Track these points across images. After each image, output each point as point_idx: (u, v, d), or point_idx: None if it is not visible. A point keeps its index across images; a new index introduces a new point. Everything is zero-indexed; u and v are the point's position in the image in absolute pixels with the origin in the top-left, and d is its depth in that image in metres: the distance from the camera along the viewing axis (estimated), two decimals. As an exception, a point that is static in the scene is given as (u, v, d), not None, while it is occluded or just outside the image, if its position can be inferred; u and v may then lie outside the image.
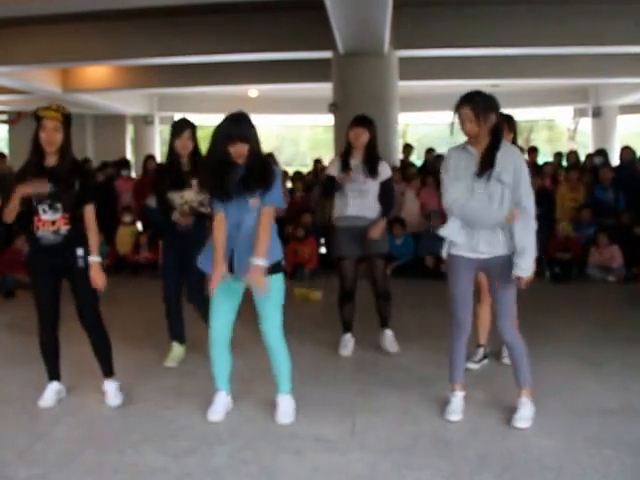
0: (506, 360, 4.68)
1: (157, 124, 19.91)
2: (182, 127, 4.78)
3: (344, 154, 5.05)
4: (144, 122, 19.40)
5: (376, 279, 5.11)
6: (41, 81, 13.16)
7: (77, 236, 3.92)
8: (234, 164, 3.59)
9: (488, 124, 3.53)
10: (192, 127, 4.80)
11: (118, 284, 8.60)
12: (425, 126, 31.01)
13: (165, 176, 4.87)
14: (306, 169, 12.29)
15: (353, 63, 9.91)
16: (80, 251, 3.92)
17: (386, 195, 5.05)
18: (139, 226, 10.23)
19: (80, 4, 8.99)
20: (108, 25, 10.14)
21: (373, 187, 4.98)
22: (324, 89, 11.47)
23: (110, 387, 4.15)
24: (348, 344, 5.19)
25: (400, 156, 10.89)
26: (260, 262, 3.53)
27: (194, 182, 4.65)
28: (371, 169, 4.95)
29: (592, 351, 5.16)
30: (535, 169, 9.79)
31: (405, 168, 10.03)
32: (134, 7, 9.23)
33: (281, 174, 3.84)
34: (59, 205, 3.84)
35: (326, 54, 10.26)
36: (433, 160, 10.60)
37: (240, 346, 4.97)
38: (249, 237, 3.60)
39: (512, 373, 3.86)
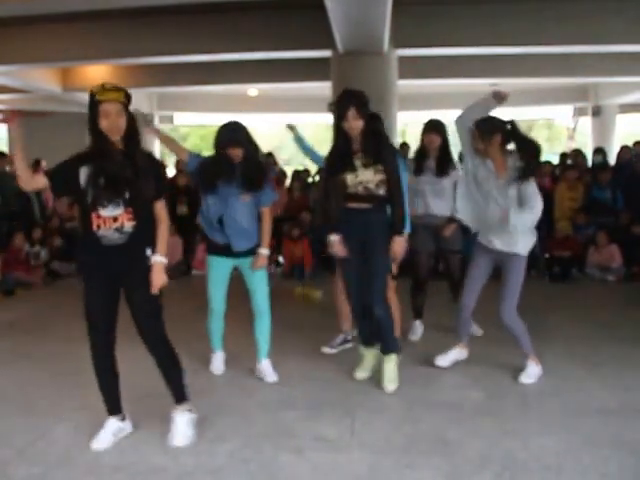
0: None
1: (157, 123, 19.88)
2: (345, 106, 4.10)
3: (418, 156, 5.40)
4: (144, 121, 19.39)
5: (451, 272, 5.57)
6: (41, 80, 13.15)
7: (145, 233, 3.36)
8: (231, 164, 4.25)
9: (494, 142, 4.26)
10: (357, 104, 4.10)
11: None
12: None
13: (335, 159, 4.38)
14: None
15: (352, 62, 9.90)
16: (149, 251, 3.38)
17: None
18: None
19: (80, 3, 8.96)
20: (108, 24, 10.12)
21: (447, 186, 5.26)
22: (323, 88, 11.46)
23: (180, 419, 3.52)
24: (417, 330, 5.65)
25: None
26: (265, 252, 4.39)
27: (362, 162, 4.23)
28: (441, 169, 5.27)
29: (592, 351, 5.17)
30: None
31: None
32: (134, 6, 9.20)
33: (272, 175, 4.53)
34: (120, 199, 3.28)
35: (325, 53, 10.25)
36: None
37: (239, 354, 4.99)
38: (241, 225, 4.32)
39: (509, 373, 3.86)
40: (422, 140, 5.37)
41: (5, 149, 17.37)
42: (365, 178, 4.16)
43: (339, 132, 4.21)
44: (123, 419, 3.61)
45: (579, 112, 19.94)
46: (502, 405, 4.03)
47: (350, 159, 4.19)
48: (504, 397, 4.16)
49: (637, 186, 9.00)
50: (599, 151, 10.53)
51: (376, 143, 4.18)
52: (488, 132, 4.25)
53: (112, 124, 3.20)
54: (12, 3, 8.46)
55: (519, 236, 4.33)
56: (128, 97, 3.30)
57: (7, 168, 9.62)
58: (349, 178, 4.18)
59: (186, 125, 28.76)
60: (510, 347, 5.08)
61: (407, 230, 4.63)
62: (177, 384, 3.53)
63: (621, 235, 8.60)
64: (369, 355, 4.56)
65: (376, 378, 4.41)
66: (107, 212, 3.25)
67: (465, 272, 4.70)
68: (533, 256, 8.61)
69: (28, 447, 3.47)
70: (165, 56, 10.77)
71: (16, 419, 3.85)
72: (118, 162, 3.26)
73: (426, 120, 5.42)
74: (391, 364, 4.34)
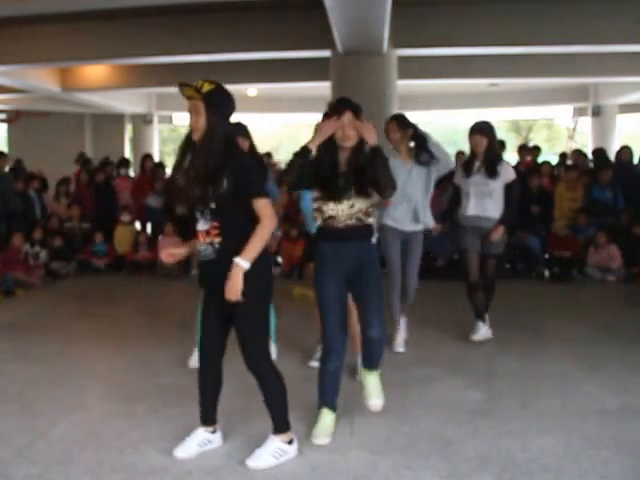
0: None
1: (156, 123, 19.88)
2: (340, 110, 3.54)
3: (468, 160, 5.49)
4: (143, 121, 19.38)
5: (487, 275, 5.52)
6: (40, 80, 13.14)
7: (232, 251, 3.04)
8: None
9: (406, 135, 4.95)
10: (354, 109, 3.54)
11: (117, 283, 8.61)
12: (423, 125, 30.99)
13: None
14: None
15: (352, 62, 9.90)
16: None
17: (507, 198, 5.32)
18: (137, 225, 10.24)
19: (80, 4, 8.97)
20: (108, 25, 10.11)
21: (496, 188, 5.30)
22: (323, 88, 11.46)
23: (270, 444, 3.29)
24: (479, 330, 5.48)
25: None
26: (277, 233, 4.99)
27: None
28: (490, 171, 5.28)
29: (591, 352, 5.16)
30: (535, 168, 9.79)
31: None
32: (134, 6, 9.20)
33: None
34: (207, 211, 3.10)
35: (325, 53, 10.24)
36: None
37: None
38: None
39: (509, 374, 3.84)
40: (469, 143, 5.45)
41: (4, 148, 17.40)
42: (359, 206, 3.50)
43: (329, 146, 3.54)
44: (213, 432, 3.43)
45: (579, 112, 19.94)
46: (501, 406, 4.03)
47: (338, 182, 3.49)
48: (503, 398, 4.16)
49: (637, 187, 9.00)
50: (600, 151, 10.51)
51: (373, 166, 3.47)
52: (405, 125, 4.88)
53: (190, 121, 3.09)
54: (12, 3, 8.45)
55: (422, 215, 5.06)
56: (204, 92, 3.02)
57: (6, 169, 9.62)
58: (340, 209, 3.48)
59: (185, 125, 28.67)
60: (510, 348, 5.10)
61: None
62: (275, 412, 3.30)
63: (622, 236, 8.58)
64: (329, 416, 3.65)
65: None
66: (201, 226, 3.12)
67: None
68: (533, 256, 8.66)
69: (27, 447, 3.46)
70: (165, 56, 10.77)
71: (16, 419, 3.84)
72: (195, 166, 3.09)
73: (472, 123, 5.50)
74: (376, 379, 3.78)
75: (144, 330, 5.91)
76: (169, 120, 21.89)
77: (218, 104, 3.07)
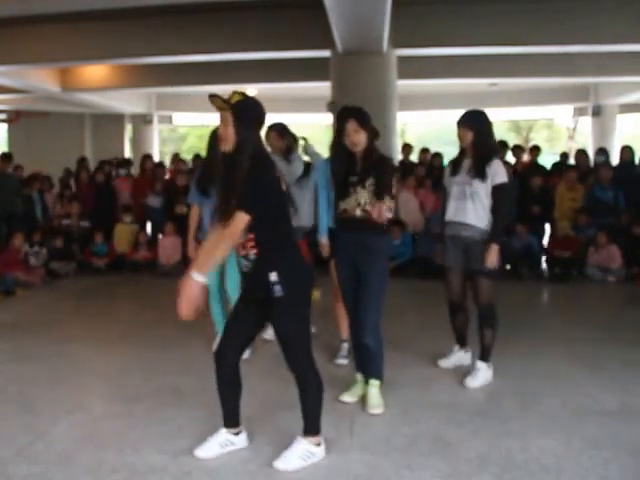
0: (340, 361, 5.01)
1: (156, 123, 19.88)
2: (344, 118, 3.94)
3: (457, 156, 4.62)
4: (143, 121, 19.38)
5: (478, 297, 4.49)
6: (40, 80, 13.14)
7: (268, 260, 3.10)
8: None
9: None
10: (356, 116, 3.92)
11: (116, 283, 8.60)
12: (424, 125, 30.98)
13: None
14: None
15: (352, 62, 9.90)
16: (273, 276, 3.07)
17: (495, 204, 4.38)
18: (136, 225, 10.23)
19: (80, 4, 8.97)
20: (108, 25, 10.12)
21: (480, 190, 4.37)
22: (323, 88, 11.46)
23: (297, 447, 3.28)
24: (451, 356, 4.85)
25: (400, 156, 10.88)
26: None
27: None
28: (476, 169, 4.38)
29: (591, 352, 5.16)
30: (536, 168, 9.78)
31: (405, 168, 10.01)
32: (134, 6, 9.21)
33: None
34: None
35: (325, 53, 10.25)
36: (430, 159, 10.61)
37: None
38: None
39: (509, 374, 3.83)
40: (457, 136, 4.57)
41: (4, 148, 17.39)
42: (363, 200, 3.87)
43: (340, 153, 3.97)
44: (237, 434, 3.43)
45: (579, 112, 19.94)
46: (501, 406, 4.03)
47: (348, 181, 3.93)
48: (503, 398, 4.16)
49: (637, 187, 8.99)
50: (602, 151, 10.49)
51: (376, 162, 3.88)
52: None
53: (220, 131, 3.08)
54: (13, 3, 8.46)
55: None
56: (232, 103, 3.05)
57: (9, 169, 9.61)
58: (347, 202, 3.94)
59: (185, 125, 28.78)
60: (510, 348, 5.09)
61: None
62: (308, 414, 3.29)
63: (622, 235, 8.57)
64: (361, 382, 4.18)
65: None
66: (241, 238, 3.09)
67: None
68: (532, 256, 8.65)
69: (27, 447, 3.46)
70: (165, 56, 10.78)
71: (16, 419, 3.84)
72: (225, 178, 3.09)
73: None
74: (374, 389, 4.02)
75: (144, 330, 5.91)
76: (169, 120, 21.90)
77: (245, 115, 3.07)
